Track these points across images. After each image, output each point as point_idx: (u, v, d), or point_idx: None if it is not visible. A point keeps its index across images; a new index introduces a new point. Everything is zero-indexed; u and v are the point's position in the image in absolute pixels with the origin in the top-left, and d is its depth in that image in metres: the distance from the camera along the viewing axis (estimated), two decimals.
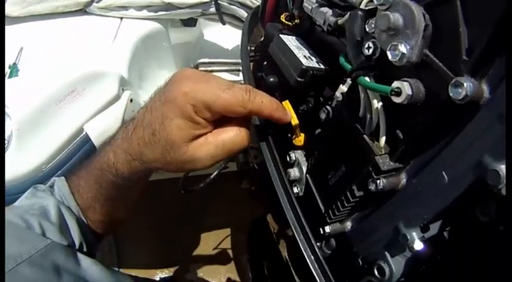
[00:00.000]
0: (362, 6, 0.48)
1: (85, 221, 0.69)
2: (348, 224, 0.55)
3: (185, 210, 2.21)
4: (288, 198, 0.62)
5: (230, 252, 2.15)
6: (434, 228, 0.44)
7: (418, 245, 0.41)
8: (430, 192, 0.40)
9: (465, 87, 0.34)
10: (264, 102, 0.53)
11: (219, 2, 1.48)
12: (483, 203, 0.38)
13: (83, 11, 1.46)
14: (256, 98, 0.52)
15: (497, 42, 0.34)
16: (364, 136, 0.48)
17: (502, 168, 0.32)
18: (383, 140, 0.46)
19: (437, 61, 0.39)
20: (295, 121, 0.61)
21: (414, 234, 0.42)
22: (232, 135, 0.53)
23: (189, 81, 0.51)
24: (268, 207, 1.12)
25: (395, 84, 0.40)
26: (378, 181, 0.44)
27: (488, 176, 0.33)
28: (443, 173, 0.38)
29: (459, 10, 0.36)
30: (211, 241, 2.18)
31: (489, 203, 0.37)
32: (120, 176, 0.60)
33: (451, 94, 0.35)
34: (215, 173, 1.14)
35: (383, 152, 0.46)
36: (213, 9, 1.50)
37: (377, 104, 0.45)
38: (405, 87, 0.39)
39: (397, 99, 0.39)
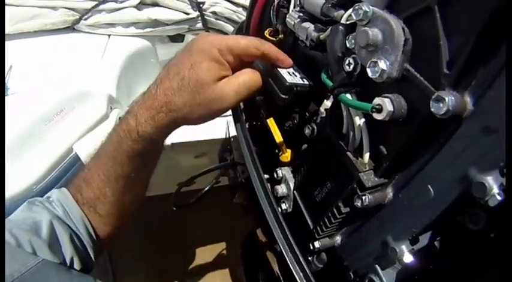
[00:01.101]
0: (343, 21, 0.47)
1: (90, 224, 0.69)
2: (338, 238, 0.54)
3: (180, 224, 2.19)
4: (274, 216, 0.61)
5: (226, 264, 2.14)
6: (423, 239, 0.44)
7: (408, 258, 0.41)
8: (416, 206, 0.40)
9: (447, 101, 0.33)
10: (271, 47, 0.60)
11: (205, 17, 1.49)
12: (472, 212, 0.37)
13: (71, 28, 1.46)
14: (265, 44, 0.59)
15: (480, 52, 0.33)
16: (348, 153, 0.47)
17: (488, 179, 0.32)
18: (367, 156, 0.45)
19: (418, 75, 0.38)
20: (279, 138, 0.61)
21: (403, 247, 0.41)
22: (250, 75, 0.59)
23: (210, 36, 0.59)
24: (259, 222, 1.11)
25: (376, 101, 0.39)
26: (364, 197, 0.43)
27: (474, 188, 0.33)
28: (429, 186, 0.38)
29: (439, 22, 0.36)
30: (207, 254, 2.18)
31: (478, 212, 0.37)
32: (142, 137, 0.61)
33: (432, 109, 0.34)
34: (207, 188, 1.14)
35: (367, 168, 0.45)
36: (199, 25, 1.51)
37: (359, 121, 0.45)
38: (386, 104, 0.38)
39: (378, 116, 0.39)
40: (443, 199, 0.37)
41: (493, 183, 0.32)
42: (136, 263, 2.11)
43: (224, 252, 2.18)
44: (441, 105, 0.33)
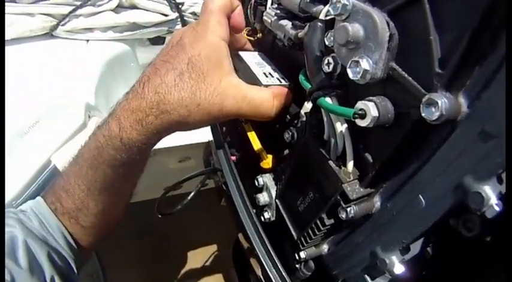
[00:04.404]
0: (321, 17, 0.44)
1: (69, 234, 0.64)
2: (325, 247, 0.51)
3: (171, 228, 2.19)
4: (254, 228, 0.59)
5: (219, 267, 2.14)
6: (415, 247, 0.41)
7: (399, 269, 0.38)
8: (406, 217, 0.37)
9: (439, 105, 0.29)
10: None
11: (185, 18, 1.47)
12: (466, 218, 0.34)
13: (49, 34, 1.43)
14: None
15: (477, 48, 0.29)
16: (330, 162, 0.44)
17: (485, 189, 0.29)
18: (351, 165, 0.42)
19: (406, 76, 0.34)
20: (257, 145, 0.58)
21: (393, 258, 0.39)
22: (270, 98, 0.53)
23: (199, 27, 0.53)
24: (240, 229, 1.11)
25: (359, 105, 0.35)
26: (349, 209, 0.40)
27: (470, 198, 0.30)
28: (420, 196, 0.35)
29: (428, 14, 0.32)
30: (199, 258, 2.18)
31: (472, 218, 0.34)
32: (127, 145, 0.53)
33: (423, 114, 0.30)
34: (191, 194, 1.11)
35: (351, 178, 0.42)
36: (179, 26, 1.48)
37: (341, 127, 0.41)
38: (370, 109, 0.34)
39: (361, 123, 0.35)
40: (436, 210, 0.34)
41: (490, 192, 0.28)
42: (129, 270, 2.10)
43: (217, 254, 2.19)
44: (433, 109, 0.30)
